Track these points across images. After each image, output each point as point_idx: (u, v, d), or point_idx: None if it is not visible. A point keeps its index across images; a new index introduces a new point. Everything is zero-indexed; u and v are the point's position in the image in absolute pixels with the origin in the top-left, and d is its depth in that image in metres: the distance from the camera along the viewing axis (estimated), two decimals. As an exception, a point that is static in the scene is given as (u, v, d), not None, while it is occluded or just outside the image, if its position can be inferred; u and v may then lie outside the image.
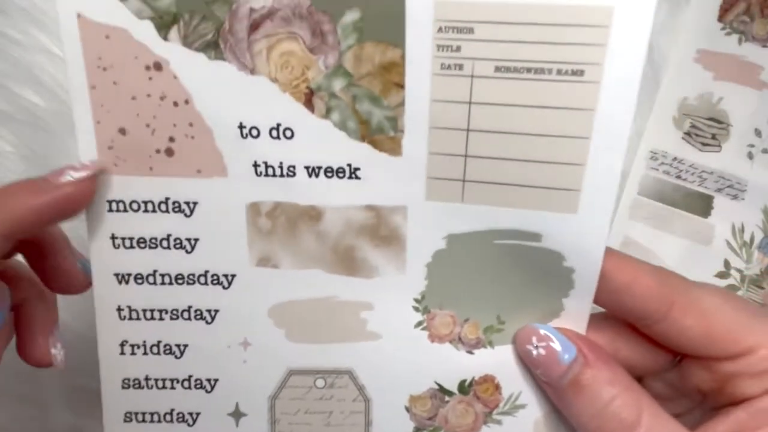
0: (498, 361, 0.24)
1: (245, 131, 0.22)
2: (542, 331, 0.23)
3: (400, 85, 0.21)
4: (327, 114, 0.22)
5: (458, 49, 0.20)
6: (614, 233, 0.35)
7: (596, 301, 0.23)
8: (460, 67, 0.21)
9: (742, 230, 0.35)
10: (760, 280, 0.35)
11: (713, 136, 0.34)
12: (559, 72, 0.20)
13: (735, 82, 0.34)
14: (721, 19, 0.34)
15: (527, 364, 0.24)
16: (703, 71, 0.34)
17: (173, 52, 0.21)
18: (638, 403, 0.22)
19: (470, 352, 0.24)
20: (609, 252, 0.22)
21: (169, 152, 0.23)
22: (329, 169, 0.23)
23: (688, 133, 0.34)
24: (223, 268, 0.24)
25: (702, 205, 0.35)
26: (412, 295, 0.24)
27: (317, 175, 0.23)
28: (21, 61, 0.33)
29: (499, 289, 0.23)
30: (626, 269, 0.22)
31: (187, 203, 0.23)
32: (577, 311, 0.23)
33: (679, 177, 0.35)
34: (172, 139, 0.22)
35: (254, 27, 0.21)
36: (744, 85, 0.34)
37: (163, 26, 0.21)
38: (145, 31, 0.21)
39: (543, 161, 0.21)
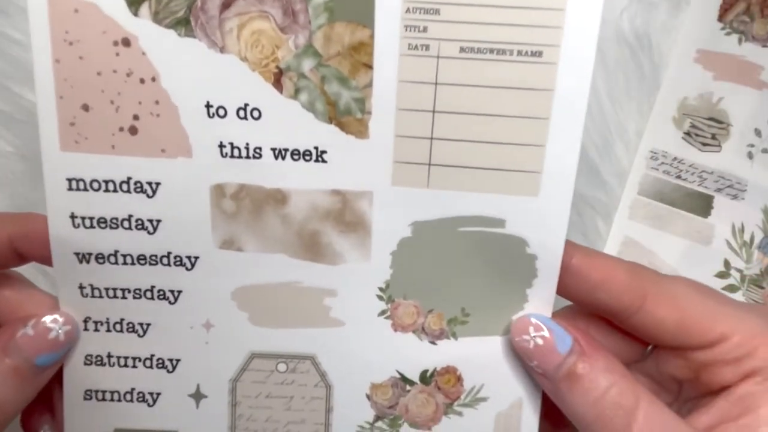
0: (461, 353, 0.24)
1: (212, 110, 0.22)
2: (538, 321, 0.23)
3: (369, 66, 0.22)
4: (295, 94, 0.22)
5: (425, 29, 0.21)
6: (614, 233, 0.35)
7: (571, 299, 0.24)
8: (427, 47, 0.21)
9: (742, 230, 0.35)
10: (760, 280, 0.35)
11: (713, 136, 0.34)
12: (519, 53, 0.21)
13: (735, 82, 0.34)
14: (721, 19, 0.34)
15: (522, 356, 0.23)
16: (703, 71, 0.34)
17: (143, 28, 0.21)
18: (635, 390, 0.22)
19: (433, 343, 0.24)
20: (581, 249, 0.23)
21: (133, 130, 0.22)
22: (296, 152, 0.23)
23: (688, 133, 0.34)
24: (186, 249, 0.23)
25: (702, 205, 0.34)
26: (376, 284, 0.24)
27: (283, 158, 0.23)
28: (21, 61, 0.33)
29: (464, 280, 0.24)
30: (599, 266, 0.23)
31: (150, 184, 0.23)
32: (540, 301, 0.23)
33: (679, 177, 0.34)
34: (136, 117, 0.22)
35: (226, 5, 0.21)
36: (744, 85, 0.34)
37: (134, 2, 0.21)
38: (115, 6, 0.21)
39: (505, 143, 0.22)
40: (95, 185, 0.23)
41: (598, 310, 0.23)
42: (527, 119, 0.22)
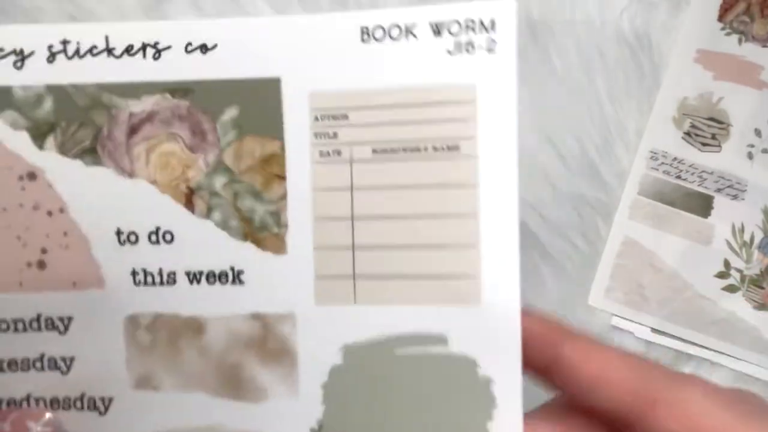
0: None
1: (123, 237, 0.21)
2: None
3: (282, 177, 0.21)
4: (208, 213, 0.21)
5: (335, 135, 0.20)
6: (614, 233, 0.34)
7: (566, 398, 0.20)
8: (339, 152, 0.20)
9: (742, 230, 0.34)
10: (760, 280, 0.34)
11: (713, 136, 0.34)
12: (435, 149, 0.20)
13: (735, 82, 0.33)
14: (721, 19, 0.34)
15: None
16: (703, 71, 0.34)
17: (48, 160, 0.21)
18: None
19: (383, 490, 0.20)
20: (575, 338, 0.20)
21: (41, 265, 0.21)
22: (211, 274, 0.21)
23: (688, 133, 0.34)
24: (100, 390, 0.21)
25: (702, 205, 0.34)
26: (308, 424, 0.21)
27: (198, 282, 0.21)
28: None
29: (411, 416, 0.20)
30: (594, 358, 0.19)
31: (62, 319, 0.21)
32: None
33: (679, 177, 0.34)
34: (44, 251, 0.21)
35: (133, 130, 0.21)
36: (744, 85, 0.33)
37: (39, 135, 0.21)
38: (19, 142, 0.21)
39: (434, 245, 0.20)
40: (3, 326, 0.21)
41: (595, 413, 0.20)
42: (454, 218, 0.20)
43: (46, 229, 0.21)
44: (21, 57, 0.21)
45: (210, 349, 0.21)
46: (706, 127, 0.34)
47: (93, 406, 0.21)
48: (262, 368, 0.21)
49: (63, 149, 0.21)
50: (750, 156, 0.34)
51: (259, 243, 0.21)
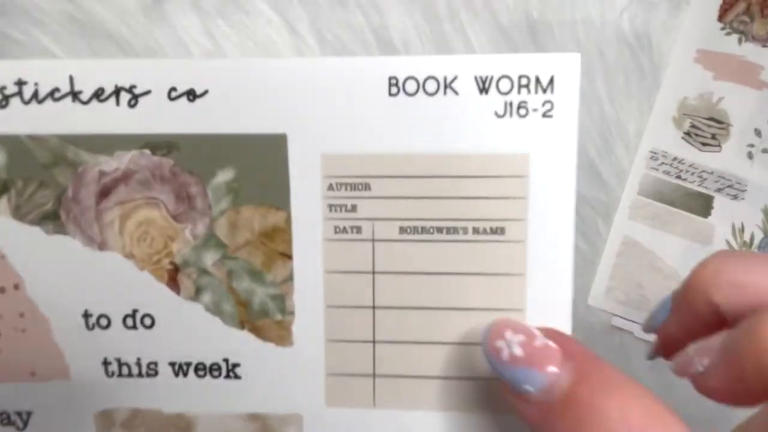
0: None
1: (92, 321, 0.17)
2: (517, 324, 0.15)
3: (287, 255, 0.17)
4: (196, 295, 0.17)
5: (354, 208, 0.17)
6: (614, 233, 0.34)
7: None
8: (358, 229, 0.17)
9: (742, 230, 0.34)
10: None
11: (713, 136, 0.34)
12: (475, 231, 0.16)
13: (735, 82, 0.34)
14: (721, 19, 0.34)
15: (497, 369, 0.15)
16: (703, 71, 0.34)
17: (1, 226, 0.17)
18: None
19: None
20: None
21: (-9, 352, 0.17)
22: (200, 366, 0.18)
23: (688, 133, 0.34)
24: None
25: (702, 205, 0.34)
26: None
27: (185, 374, 0.18)
28: None
29: None
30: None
31: (19, 414, 0.18)
32: None
33: (679, 177, 0.34)
34: (-4, 336, 0.17)
35: (104, 193, 0.17)
36: (744, 85, 0.34)
37: (-11, 196, 0.17)
38: None
39: (472, 343, 0.17)
40: None
41: None
42: (495, 312, 0.17)
43: (-2, 309, 0.17)
44: (-37, 100, 0.17)
45: (198, 452, 0.18)
46: (706, 127, 0.34)
47: None
48: (261, 477, 0.18)
49: (18, 214, 0.17)
50: (750, 156, 0.34)
51: (258, 332, 0.17)
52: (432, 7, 0.31)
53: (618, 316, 0.33)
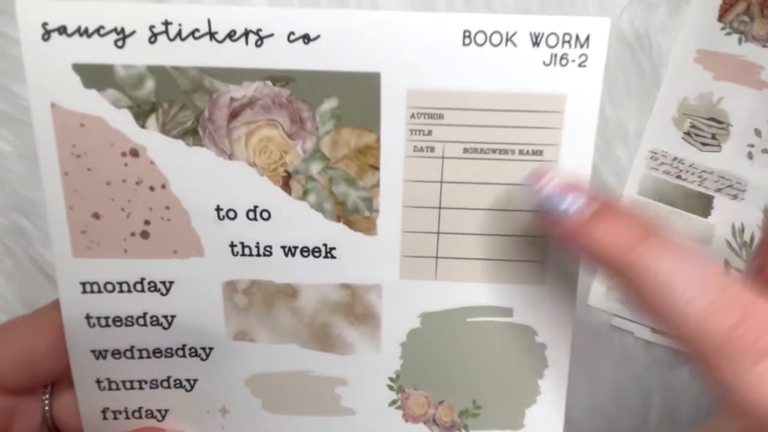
0: None
1: (222, 213, 0.23)
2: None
3: (376, 167, 0.22)
4: (304, 196, 0.23)
5: (429, 133, 0.22)
6: None
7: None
8: (432, 149, 0.22)
9: (742, 230, 0.34)
10: None
11: (713, 136, 0.34)
12: (521, 152, 0.22)
13: (735, 82, 0.33)
14: (721, 19, 0.33)
15: (542, 202, 0.21)
16: (703, 71, 0.34)
17: (151, 139, 0.22)
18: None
19: (445, 432, 0.25)
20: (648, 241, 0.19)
21: (145, 235, 0.23)
22: (305, 249, 0.23)
23: (688, 133, 0.34)
24: (201, 341, 0.24)
25: (702, 205, 0.34)
26: (386, 374, 0.24)
27: (293, 255, 0.23)
28: (21, 61, 0.32)
29: (474, 371, 0.24)
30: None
31: (164, 282, 0.23)
32: (553, 393, 0.24)
33: (679, 177, 0.34)
34: (147, 222, 0.22)
35: (234, 115, 0.22)
36: (744, 85, 0.33)
37: (141, 115, 0.21)
38: (122, 119, 0.21)
39: (510, 234, 0.23)
40: (109, 287, 0.23)
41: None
42: (530, 213, 0.22)
43: (149, 203, 0.22)
44: (122, 36, 0.20)
45: (302, 310, 0.24)
46: (706, 127, 0.34)
47: (195, 353, 0.24)
48: (349, 328, 0.24)
49: (165, 129, 0.22)
50: (750, 156, 0.34)
51: (350, 224, 0.23)
52: (432, 7, 0.31)
53: (618, 316, 0.34)
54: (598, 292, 0.33)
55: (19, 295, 0.35)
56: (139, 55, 0.21)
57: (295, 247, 0.23)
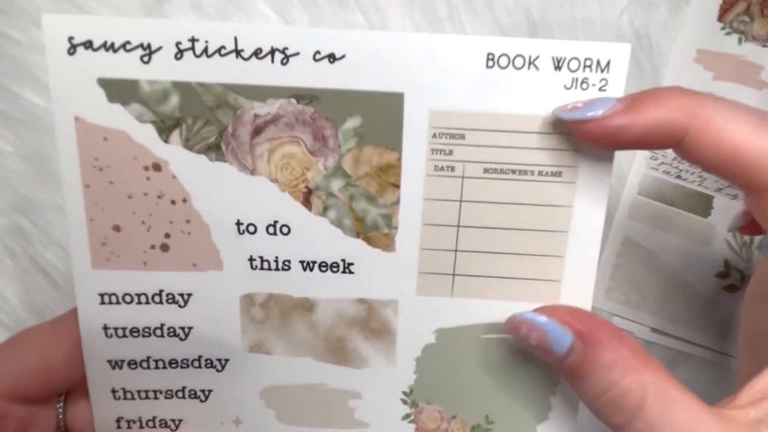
0: None
1: (242, 228, 0.23)
2: (531, 322, 0.22)
3: (396, 185, 0.23)
4: (324, 212, 0.23)
5: (450, 152, 0.22)
6: (614, 233, 0.34)
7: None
8: (452, 168, 0.22)
9: None
10: None
11: None
12: (540, 173, 0.22)
13: (735, 82, 0.33)
14: (721, 19, 0.33)
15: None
16: (703, 71, 0.34)
17: (173, 153, 0.22)
18: (641, 387, 0.20)
19: (457, 446, 0.25)
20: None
21: (165, 248, 0.23)
22: (323, 264, 0.23)
23: None
24: (217, 353, 0.24)
25: (702, 205, 0.34)
26: (400, 388, 0.25)
27: (311, 269, 0.23)
28: (21, 61, 0.32)
29: (488, 387, 0.25)
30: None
31: (182, 295, 0.23)
32: (565, 410, 0.24)
33: (679, 177, 0.34)
34: (167, 236, 0.23)
35: (257, 131, 0.22)
36: (744, 85, 0.33)
37: (164, 129, 0.22)
38: (145, 134, 0.21)
39: (527, 254, 0.23)
40: (127, 299, 0.23)
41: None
42: (548, 232, 0.23)
43: (169, 216, 0.22)
44: (148, 51, 0.21)
45: (318, 324, 0.24)
46: None
47: (210, 364, 0.24)
48: (365, 342, 0.24)
49: (188, 144, 0.22)
50: None
51: (369, 240, 0.23)
52: (432, 7, 0.31)
53: (618, 316, 0.34)
54: (598, 292, 0.34)
55: (19, 295, 0.34)
56: (164, 70, 0.21)
57: (314, 262, 0.23)
